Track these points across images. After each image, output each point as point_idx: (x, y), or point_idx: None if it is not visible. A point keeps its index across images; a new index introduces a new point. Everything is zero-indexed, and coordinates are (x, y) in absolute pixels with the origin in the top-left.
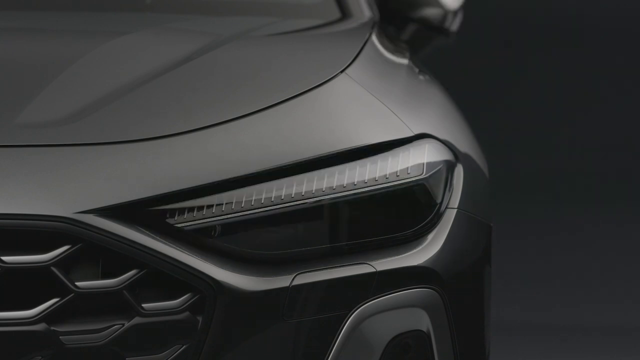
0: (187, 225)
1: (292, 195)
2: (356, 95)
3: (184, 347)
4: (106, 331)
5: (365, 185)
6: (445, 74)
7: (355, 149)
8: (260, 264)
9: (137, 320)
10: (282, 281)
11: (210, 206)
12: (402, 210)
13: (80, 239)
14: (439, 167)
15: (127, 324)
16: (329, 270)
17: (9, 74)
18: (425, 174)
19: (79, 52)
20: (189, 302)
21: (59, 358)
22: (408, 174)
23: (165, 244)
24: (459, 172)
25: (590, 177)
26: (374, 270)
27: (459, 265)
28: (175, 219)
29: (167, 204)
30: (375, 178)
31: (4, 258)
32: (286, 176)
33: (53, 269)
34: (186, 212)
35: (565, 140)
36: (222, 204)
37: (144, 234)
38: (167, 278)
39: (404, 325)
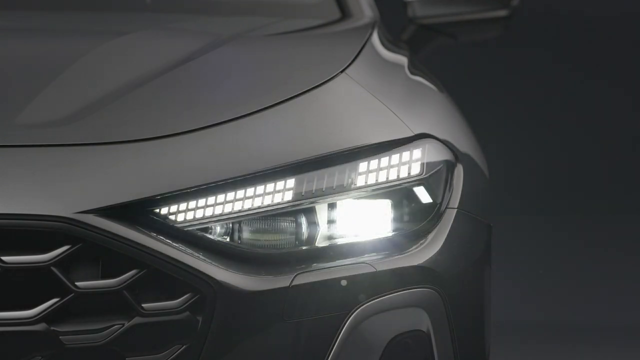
0: (187, 225)
1: (292, 195)
2: (356, 95)
3: (184, 347)
4: (106, 331)
5: (365, 185)
6: (445, 74)
7: (355, 148)
8: (260, 264)
9: (137, 320)
10: (282, 281)
11: (210, 206)
12: (401, 210)
13: (80, 239)
14: (438, 167)
15: (127, 324)
16: (329, 270)
17: (9, 74)
18: (425, 174)
19: (79, 52)
20: (189, 302)
21: (59, 358)
22: (408, 174)
23: (165, 244)
24: (459, 172)
25: (592, 177)
26: (374, 270)
27: (459, 265)
28: (175, 219)
29: (167, 204)
30: (375, 178)
31: (4, 258)
32: (286, 176)
33: (53, 269)
34: (186, 212)
35: (565, 140)
36: (222, 204)
37: (144, 234)
38: (167, 278)
39: (404, 325)
